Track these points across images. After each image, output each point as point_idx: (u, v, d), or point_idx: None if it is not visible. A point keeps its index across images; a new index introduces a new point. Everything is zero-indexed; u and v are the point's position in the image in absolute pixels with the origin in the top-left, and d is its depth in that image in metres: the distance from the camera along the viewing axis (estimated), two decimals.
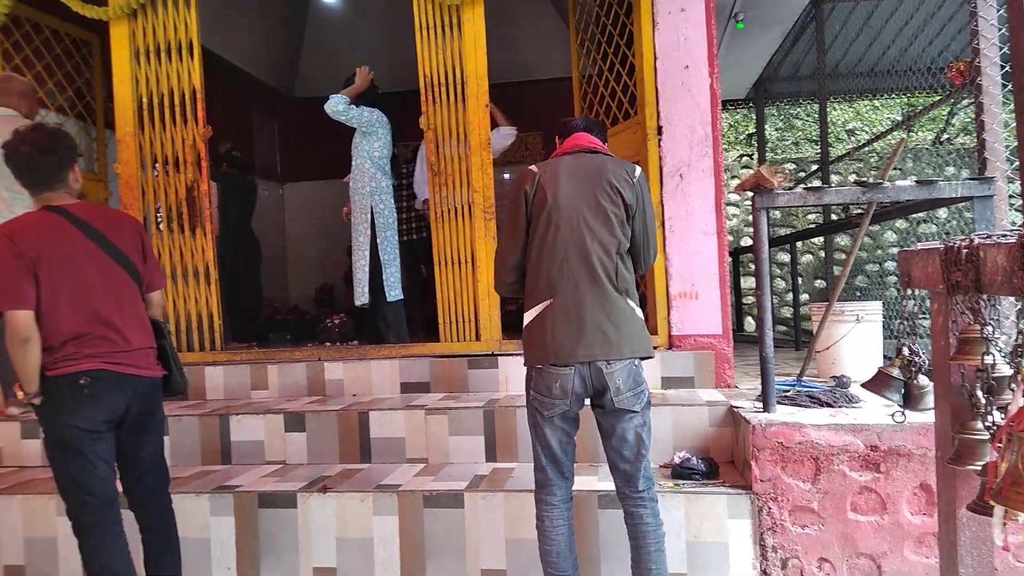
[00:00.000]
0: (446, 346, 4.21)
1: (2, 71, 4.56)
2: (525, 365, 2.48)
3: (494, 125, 4.92)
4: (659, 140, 3.93)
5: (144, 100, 4.35)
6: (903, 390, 2.96)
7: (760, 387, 3.20)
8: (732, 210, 10.39)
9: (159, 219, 4.38)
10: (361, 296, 4.65)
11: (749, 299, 9.83)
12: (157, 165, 4.36)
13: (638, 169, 2.49)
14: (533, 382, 2.43)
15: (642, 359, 2.41)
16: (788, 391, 3.42)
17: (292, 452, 3.65)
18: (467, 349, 4.15)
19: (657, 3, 3.92)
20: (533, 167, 2.50)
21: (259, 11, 6.72)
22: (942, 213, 8.50)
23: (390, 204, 4.68)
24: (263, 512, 3.14)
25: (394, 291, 4.65)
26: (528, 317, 2.45)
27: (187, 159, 4.35)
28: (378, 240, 4.60)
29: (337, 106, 4.45)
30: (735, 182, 10.62)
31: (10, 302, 2.28)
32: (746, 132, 11.54)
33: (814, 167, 10.38)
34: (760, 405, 3.18)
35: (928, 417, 2.86)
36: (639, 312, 2.44)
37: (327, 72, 7.60)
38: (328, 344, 5.13)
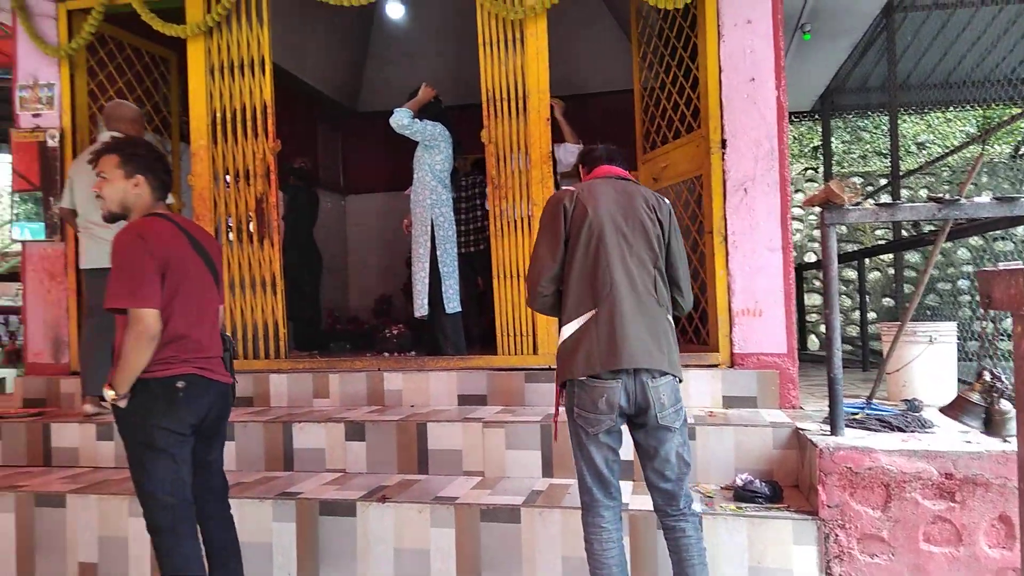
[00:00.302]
0: (503, 359, 4.21)
1: (89, 86, 4.81)
2: (565, 379, 2.41)
3: (561, 139, 4.93)
4: (723, 153, 3.87)
5: (217, 114, 4.51)
6: (984, 416, 2.83)
7: (827, 409, 3.10)
8: (795, 224, 10.16)
9: (229, 230, 4.52)
10: (421, 308, 4.70)
11: (813, 316, 9.57)
12: (228, 177, 4.51)
13: (666, 200, 2.57)
14: (576, 399, 2.38)
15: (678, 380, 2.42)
16: (857, 414, 3.31)
17: (352, 461, 3.70)
18: (524, 363, 4.15)
19: (723, 15, 3.87)
20: (569, 187, 2.56)
21: (326, 28, 6.89)
22: (1020, 230, 8.12)
23: (450, 217, 4.73)
24: (323, 519, 3.19)
25: (452, 303, 4.69)
26: (569, 330, 2.42)
27: (257, 172, 4.49)
28: (438, 252, 4.65)
29: (402, 120, 4.52)
30: (799, 196, 10.37)
31: (145, 300, 2.34)
32: (811, 145, 11.27)
33: (883, 181, 10.05)
34: (827, 428, 3.08)
35: (1008, 445, 2.74)
36: (673, 330, 2.46)
37: (389, 87, 7.76)
38: (386, 354, 5.20)
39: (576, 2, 4.57)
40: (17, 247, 10.27)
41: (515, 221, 4.21)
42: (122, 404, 2.38)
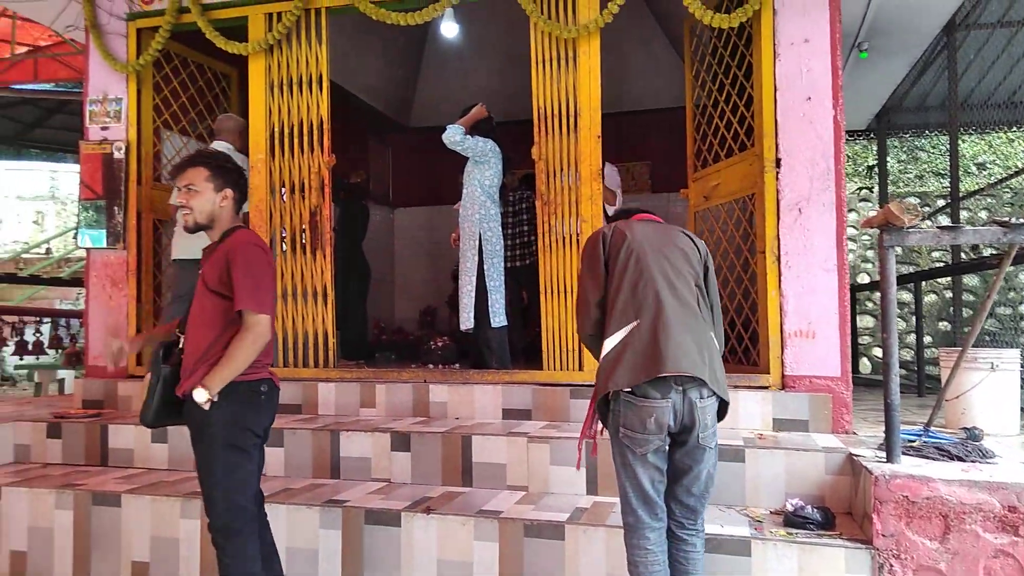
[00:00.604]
0: (549, 374, 4.21)
1: (154, 100, 4.99)
2: (607, 392, 2.37)
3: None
4: (777, 172, 3.82)
5: (276, 129, 4.64)
6: None
7: (882, 435, 3.02)
8: (848, 245, 9.93)
9: (283, 241, 4.62)
10: (466, 321, 4.73)
11: (865, 339, 9.33)
12: (284, 190, 4.63)
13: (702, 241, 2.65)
14: (623, 418, 2.34)
15: (721, 401, 2.41)
16: (914, 441, 3.21)
17: (397, 471, 3.73)
18: (570, 379, 4.14)
19: (779, 34, 3.83)
20: (605, 227, 2.66)
21: (381, 45, 7.04)
22: None
23: (498, 232, 4.76)
24: (368, 528, 3.22)
25: (498, 317, 4.71)
26: (611, 343, 2.41)
27: (312, 185, 4.59)
28: (485, 267, 4.68)
29: (454, 136, 4.58)
30: (853, 216, 10.15)
31: (265, 306, 2.47)
32: (865, 164, 11.03)
33: (940, 202, 9.79)
34: (883, 455, 3.00)
35: None
36: (718, 348, 2.46)
37: (440, 102, 7.87)
38: (431, 366, 5.24)
39: (628, 20, 4.56)
40: (79, 253, 10.69)
41: (564, 237, 4.22)
42: (206, 407, 2.44)
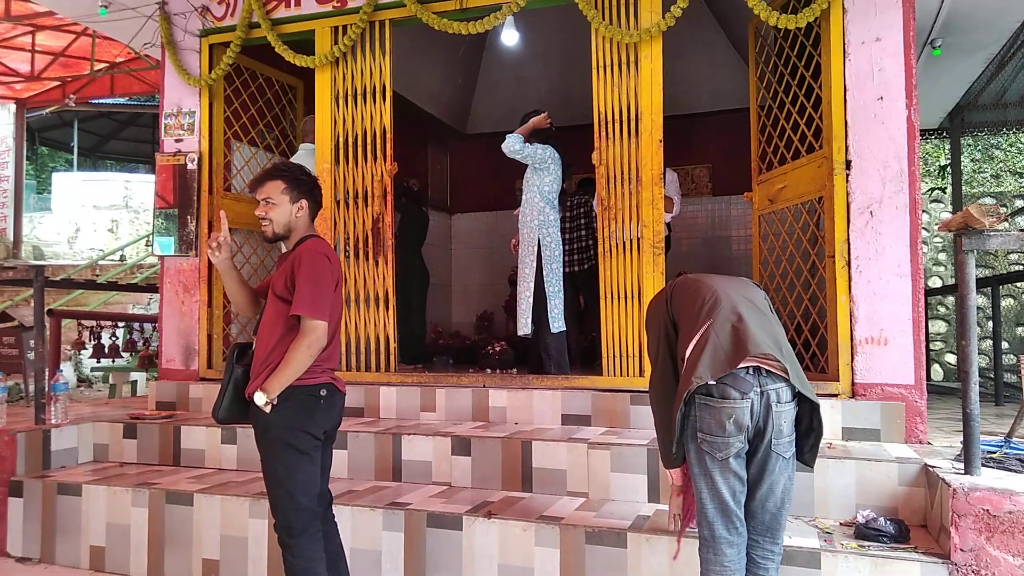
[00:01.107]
0: (608, 380, 4.18)
1: (224, 113, 5.17)
2: (689, 394, 2.27)
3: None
4: (847, 175, 3.71)
5: (340, 139, 4.75)
6: None
7: (959, 445, 2.90)
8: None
9: (347, 247, 4.72)
10: (524, 326, 4.74)
11: (937, 345, 8.97)
12: (349, 199, 4.73)
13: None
14: (701, 422, 2.26)
15: (811, 404, 2.30)
16: (994, 453, 3.08)
17: (457, 475, 3.76)
18: (630, 384, 4.10)
19: (849, 33, 3.73)
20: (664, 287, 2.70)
21: (440, 54, 7.13)
22: None
23: (556, 237, 4.76)
24: (430, 531, 3.25)
25: (558, 322, 4.70)
26: (687, 351, 2.34)
27: (374, 193, 4.68)
28: (544, 272, 4.68)
29: (513, 146, 4.61)
30: (924, 217, 9.79)
31: (322, 313, 2.54)
32: (937, 163, 10.63)
33: (1018, 203, 9.35)
34: (961, 466, 2.88)
35: None
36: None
37: (498, 109, 7.94)
38: (488, 371, 5.26)
39: (689, 22, 4.50)
40: (151, 260, 11.13)
41: (624, 243, 4.19)
42: (267, 409, 2.52)
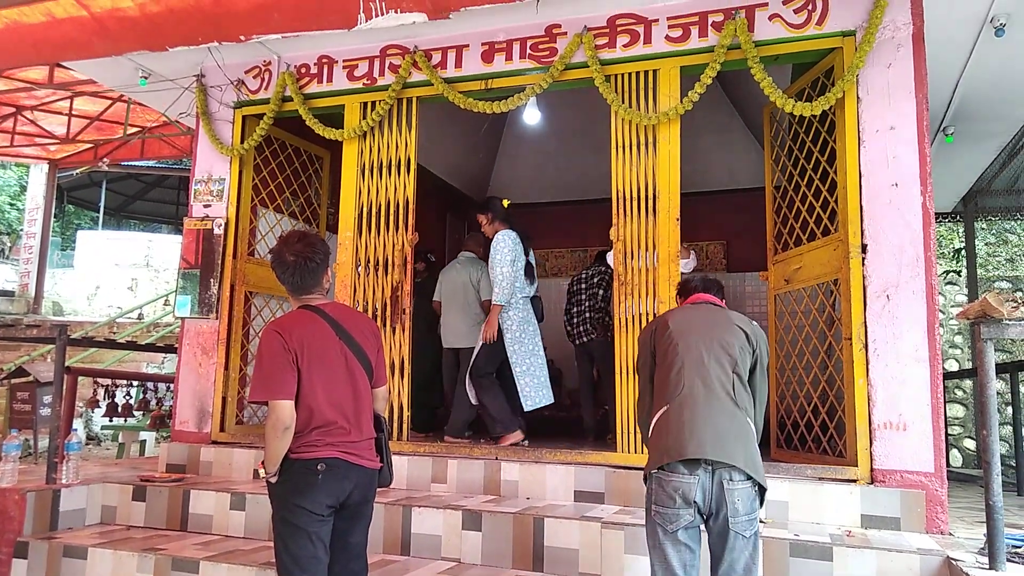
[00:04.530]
0: (622, 457, 4.14)
1: (253, 180, 5.32)
2: (645, 476, 2.54)
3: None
4: (863, 258, 3.75)
5: (364, 208, 4.87)
6: None
7: (982, 537, 2.84)
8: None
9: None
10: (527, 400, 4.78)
11: (955, 429, 8.80)
12: (370, 267, 4.80)
13: (757, 326, 2.73)
14: (654, 495, 2.44)
15: (760, 489, 2.41)
16: (1020, 547, 3.00)
17: (467, 551, 3.69)
18: (644, 462, 4.04)
19: (863, 122, 3.83)
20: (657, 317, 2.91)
21: (462, 128, 7.34)
22: None
23: (518, 317, 4.82)
24: None
25: (530, 401, 4.75)
26: (650, 428, 2.59)
27: (395, 262, 4.76)
28: (509, 352, 4.77)
29: (505, 300, 4.72)
30: (939, 299, 9.77)
31: (278, 392, 2.51)
32: (951, 246, 10.67)
33: None
34: (985, 560, 2.82)
35: None
36: (754, 434, 2.51)
37: (517, 183, 8.11)
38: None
39: (706, 106, 4.64)
40: (167, 319, 11.24)
41: (640, 317, 4.22)
42: (272, 480, 2.54)
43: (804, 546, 3.16)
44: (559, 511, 3.74)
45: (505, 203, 5.03)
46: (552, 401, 4.90)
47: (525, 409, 4.76)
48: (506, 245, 4.75)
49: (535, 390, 4.79)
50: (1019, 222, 10.14)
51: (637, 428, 4.13)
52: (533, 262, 5.10)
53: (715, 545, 2.40)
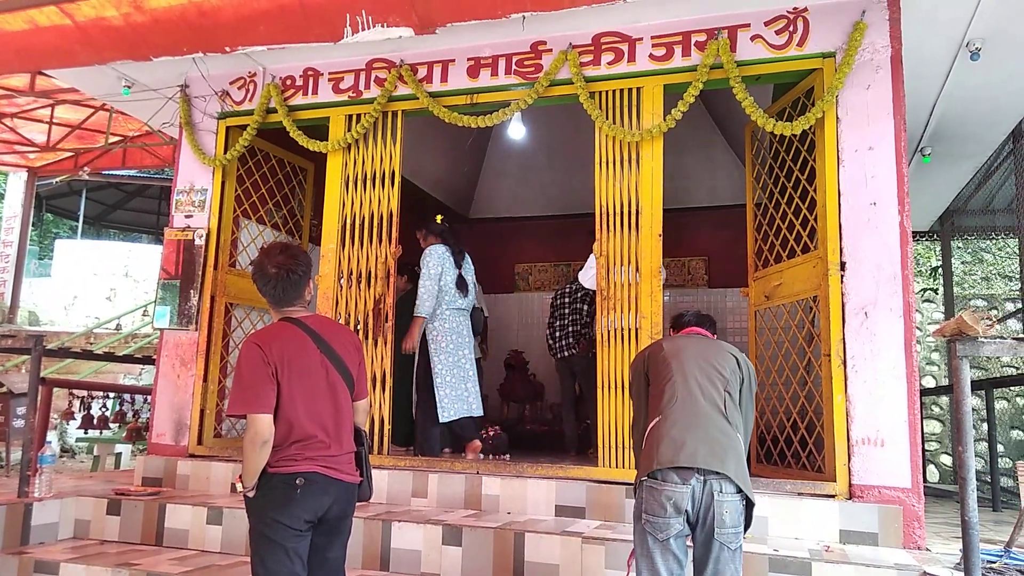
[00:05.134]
0: (604, 471, 4.14)
1: (235, 191, 5.29)
2: (635, 485, 2.57)
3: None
4: (842, 276, 3.80)
5: (347, 221, 4.86)
6: None
7: (958, 552, 2.86)
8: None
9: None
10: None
11: (932, 445, 8.91)
12: (352, 279, 4.79)
13: (744, 355, 2.81)
14: (645, 504, 2.47)
15: (748, 504, 2.45)
16: (994, 562, 3.04)
17: (447, 566, 3.67)
18: (625, 477, 4.05)
19: (843, 142, 3.90)
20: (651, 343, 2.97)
21: (447, 142, 7.35)
22: None
23: (444, 327, 4.90)
24: None
25: (447, 412, 4.80)
26: (643, 439, 2.63)
27: (378, 274, 4.75)
28: (432, 362, 4.84)
29: (427, 312, 4.80)
30: (916, 317, 9.91)
31: (257, 406, 2.47)
32: (928, 264, 10.84)
33: (1008, 305, 9.49)
34: (960, 575, 2.83)
35: None
36: (743, 450, 2.55)
37: (501, 196, 8.13)
38: (481, 456, 5.18)
39: (689, 123, 4.70)
40: (145, 330, 11.10)
41: (622, 331, 4.23)
42: (251, 495, 2.51)
43: (783, 561, 3.18)
44: (540, 526, 3.73)
45: (439, 219, 5.12)
46: (482, 414, 4.99)
47: (440, 420, 4.81)
48: (431, 259, 4.87)
49: (453, 402, 4.84)
50: (994, 241, 10.32)
51: (620, 444, 4.15)
52: (470, 276, 5.15)
53: (700, 556, 2.43)
